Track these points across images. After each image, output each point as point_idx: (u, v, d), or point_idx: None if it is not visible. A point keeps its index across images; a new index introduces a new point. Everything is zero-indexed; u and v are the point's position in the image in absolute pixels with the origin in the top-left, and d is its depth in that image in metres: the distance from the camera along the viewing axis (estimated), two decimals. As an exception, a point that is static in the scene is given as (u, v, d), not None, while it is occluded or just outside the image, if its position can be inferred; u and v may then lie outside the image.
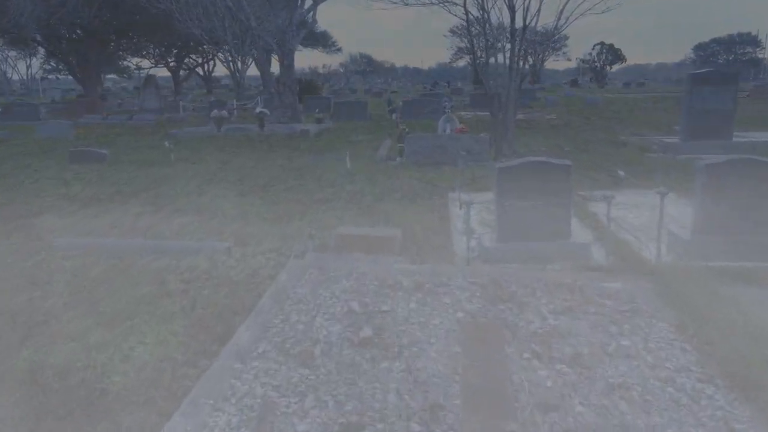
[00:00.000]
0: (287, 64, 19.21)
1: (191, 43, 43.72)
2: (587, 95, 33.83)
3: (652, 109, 24.48)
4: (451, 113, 14.12)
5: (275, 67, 21.91)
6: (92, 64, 34.82)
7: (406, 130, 11.22)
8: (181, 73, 54.21)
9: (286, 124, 17.88)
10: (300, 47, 61.40)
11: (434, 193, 7.92)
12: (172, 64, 52.09)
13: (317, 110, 18.51)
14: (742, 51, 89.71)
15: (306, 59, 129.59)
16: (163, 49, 50.11)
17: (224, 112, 15.52)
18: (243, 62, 31.49)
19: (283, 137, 14.81)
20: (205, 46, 32.65)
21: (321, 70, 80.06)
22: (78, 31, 35.43)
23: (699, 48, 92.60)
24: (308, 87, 34.07)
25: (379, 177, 9.15)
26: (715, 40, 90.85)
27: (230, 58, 30.83)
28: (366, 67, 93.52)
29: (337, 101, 23.20)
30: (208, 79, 57.64)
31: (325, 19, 72.40)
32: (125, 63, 53.56)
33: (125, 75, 62.21)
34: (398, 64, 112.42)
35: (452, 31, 71.95)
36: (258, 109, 15.66)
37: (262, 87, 23.98)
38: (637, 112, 23.15)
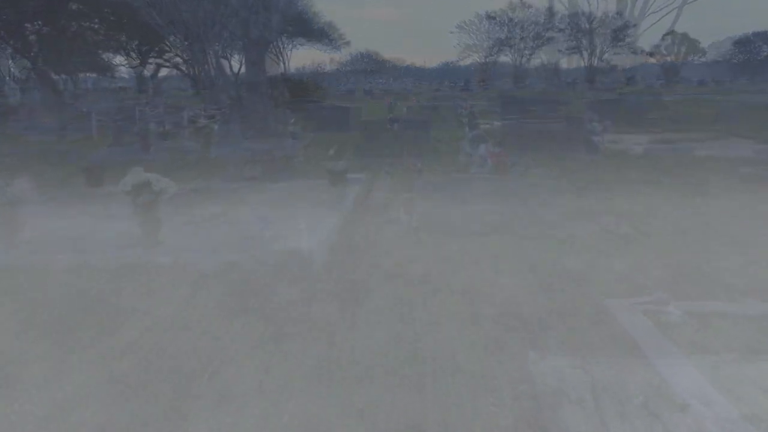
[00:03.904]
0: (254, 59, 14.39)
1: (171, 38, 38.97)
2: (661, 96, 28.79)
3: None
4: (479, 130, 9.36)
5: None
6: (44, 61, 30.04)
7: (419, 166, 6.40)
8: (159, 72, 49.34)
9: (251, 139, 13.10)
10: (298, 45, 56.67)
11: (494, 355, 3.10)
12: (151, 63, 47.17)
13: (292, 120, 13.73)
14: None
15: (304, 58, 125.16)
16: (146, 47, 45.39)
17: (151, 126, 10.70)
18: (217, 58, 26.67)
19: (232, 166, 9.98)
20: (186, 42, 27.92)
21: (319, 70, 75.47)
22: (38, 22, 30.88)
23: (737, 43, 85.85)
24: (300, 88, 29.25)
25: (363, 295, 4.31)
26: (757, 35, 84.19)
27: (201, 52, 25.97)
28: (368, 66, 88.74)
29: (322, 107, 18.56)
30: (198, 79, 52.51)
31: (324, 17, 67.49)
32: (116, 63, 48.85)
33: (108, 74, 57.56)
34: (400, 63, 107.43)
35: (459, 27, 67.34)
36: (201, 121, 10.84)
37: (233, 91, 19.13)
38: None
